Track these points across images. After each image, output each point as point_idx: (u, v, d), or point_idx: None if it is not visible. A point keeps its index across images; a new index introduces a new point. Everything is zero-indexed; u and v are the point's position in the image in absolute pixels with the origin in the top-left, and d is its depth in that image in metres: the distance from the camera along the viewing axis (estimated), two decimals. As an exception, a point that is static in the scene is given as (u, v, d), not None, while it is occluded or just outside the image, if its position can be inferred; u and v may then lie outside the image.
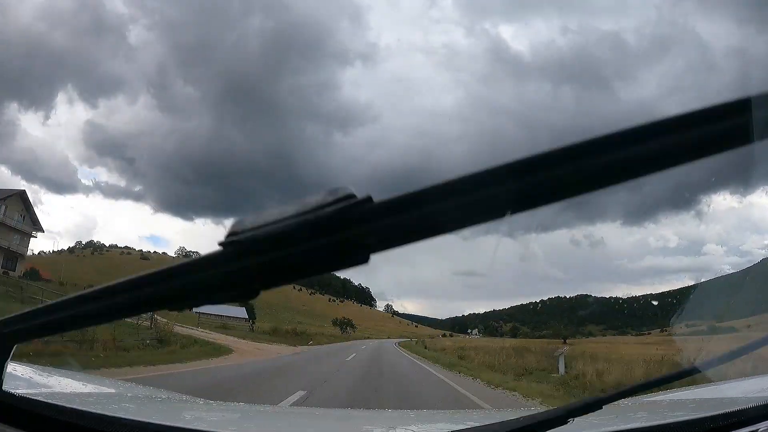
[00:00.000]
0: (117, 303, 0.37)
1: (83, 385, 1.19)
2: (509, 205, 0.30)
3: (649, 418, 0.91)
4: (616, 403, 1.42)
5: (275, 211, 0.32)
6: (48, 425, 0.70)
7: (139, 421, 0.75)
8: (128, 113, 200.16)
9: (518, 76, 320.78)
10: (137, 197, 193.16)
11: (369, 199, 0.30)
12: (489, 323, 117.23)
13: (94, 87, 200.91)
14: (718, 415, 0.71)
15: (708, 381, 0.96)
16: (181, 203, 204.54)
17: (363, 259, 0.31)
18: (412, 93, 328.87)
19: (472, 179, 0.30)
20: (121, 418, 0.74)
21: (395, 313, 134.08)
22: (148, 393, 1.36)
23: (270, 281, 0.32)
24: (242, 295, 0.34)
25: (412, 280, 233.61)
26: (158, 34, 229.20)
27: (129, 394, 1.25)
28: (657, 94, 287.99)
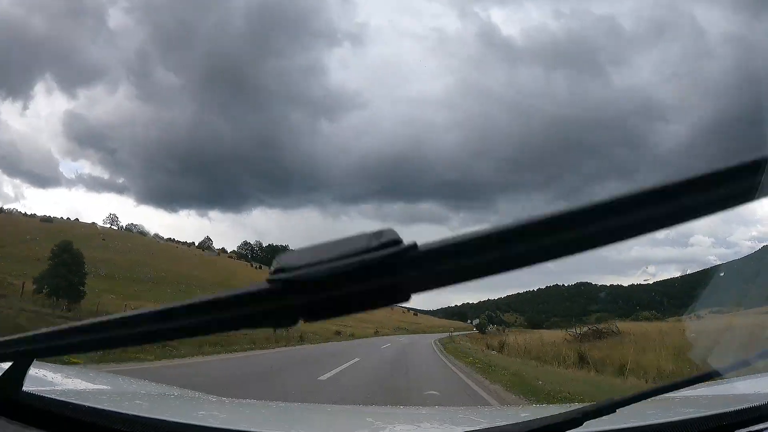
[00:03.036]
0: (152, 330, 0.41)
1: (96, 382, 1.26)
2: (540, 256, 0.34)
3: (661, 415, 0.97)
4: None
5: (320, 248, 0.35)
6: (62, 423, 0.77)
7: (152, 418, 0.81)
8: (109, 103, 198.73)
9: (510, 62, 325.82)
10: (120, 190, 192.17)
11: (414, 246, 0.34)
12: (488, 313, 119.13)
13: (74, 76, 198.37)
14: (731, 412, 0.78)
15: (720, 377, 1.05)
16: (165, 194, 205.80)
17: (403, 298, 0.35)
18: (401, 79, 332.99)
19: (507, 232, 0.34)
20: (135, 416, 0.80)
21: None
22: (161, 390, 1.44)
23: (313, 316, 0.36)
24: (283, 324, 0.37)
25: None
26: (138, 16, 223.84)
27: (143, 392, 1.32)
28: (651, 80, 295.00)
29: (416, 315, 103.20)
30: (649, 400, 1.32)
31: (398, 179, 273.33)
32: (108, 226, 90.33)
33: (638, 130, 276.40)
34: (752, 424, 0.74)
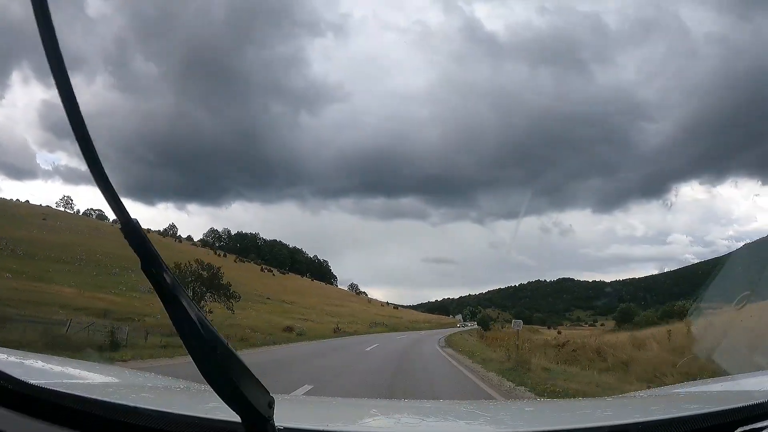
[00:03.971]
0: None
1: (103, 376, 1.29)
2: None
3: (665, 411, 1.02)
4: (632, 395, 1.65)
5: None
6: (69, 415, 0.80)
7: (159, 411, 0.84)
8: (87, 93, 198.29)
9: (493, 57, 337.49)
10: None
11: None
12: (470, 308, 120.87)
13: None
14: (735, 408, 0.82)
15: (725, 373, 1.14)
16: (143, 187, 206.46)
17: None
18: (384, 73, 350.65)
19: None
20: (141, 408, 0.83)
21: (358, 291, 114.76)
22: (167, 383, 1.47)
23: None
24: None
25: (380, 267, 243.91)
26: (117, 4, 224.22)
27: (149, 384, 1.36)
28: (635, 79, 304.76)
29: (396, 309, 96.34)
30: (654, 396, 1.42)
31: (379, 174, 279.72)
32: (62, 209, 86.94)
33: (621, 127, 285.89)
34: (756, 421, 0.78)
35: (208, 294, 25.26)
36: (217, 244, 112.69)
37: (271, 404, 0.66)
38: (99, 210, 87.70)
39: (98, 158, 0.57)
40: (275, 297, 54.55)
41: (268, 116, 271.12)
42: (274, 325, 29.78)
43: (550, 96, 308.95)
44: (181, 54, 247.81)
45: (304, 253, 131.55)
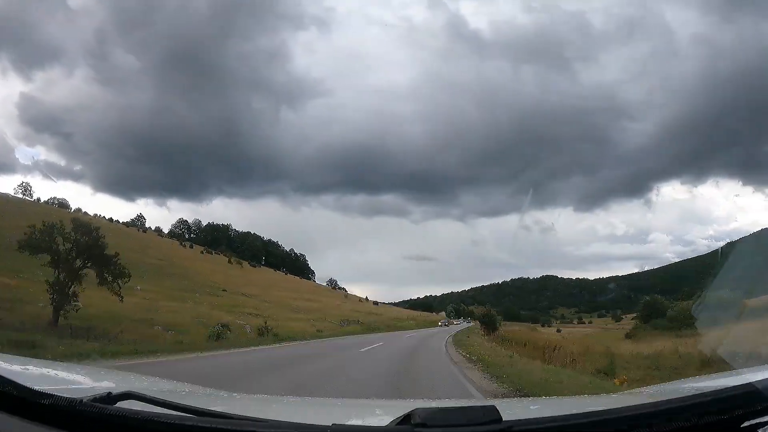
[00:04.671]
0: None
1: (107, 380, 1.35)
2: None
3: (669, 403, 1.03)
4: (638, 390, 1.74)
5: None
6: (73, 421, 0.82)
7: (162, 414, 0.86)
8: (66, 86, 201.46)
9: (477, 55, 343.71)
10: (77, 177, 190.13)
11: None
12: (453, 306, 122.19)
13: (30, 57, 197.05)
14: (740, 403, 0.84)
15: (731, 368, 1.21)
16: (122, 182, 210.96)
17: None
18: (367, 68, 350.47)
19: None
20: (144, 412, 0.85)
21: (337, 287, 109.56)
22: (171, 387, 1.52)
23: None
24: None
25: (362, 265, 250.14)
26: None
27: (154, 389, 1.38)
28: (618, 78, 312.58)
29: (377, 305, 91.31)
30: (660, 391, 1.50)
31: (361, 170, 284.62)
32: (21, 196, 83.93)
33: (603, 126, 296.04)
34: (764, 415, 0.84)
35: (90, 268, 17.33)
36: (186, 236, 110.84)
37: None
38: (63, 199, 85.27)
39: None
40: (234, 289, 48.62)
41: (249, 111, 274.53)
42: (208, 322, 23.68)
43: (533, 94, 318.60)
44: (163, 47, 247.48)
45: (280, 246, 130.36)
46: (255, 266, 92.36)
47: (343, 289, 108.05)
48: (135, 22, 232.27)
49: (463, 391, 7.62)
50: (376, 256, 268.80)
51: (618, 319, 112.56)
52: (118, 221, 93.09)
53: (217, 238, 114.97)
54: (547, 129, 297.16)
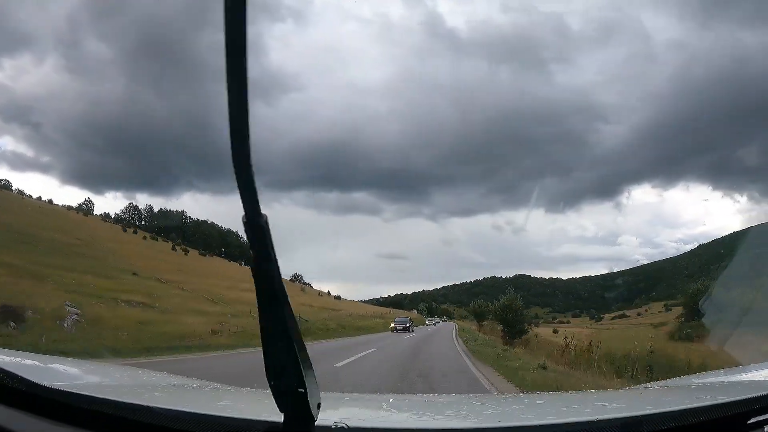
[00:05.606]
0: None
1: (116, 376, 1.41)
2: None
3: (678, 402, 1.12)
4: (644, 386, 1.85)
5: None
6: (82, 416, 0.87)
7: (171, 410, 0.91)
8: (36, 74, 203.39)
9: (454, 53, 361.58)
10: (45, 169, 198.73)
11: None
12: (425, 304, 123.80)
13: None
14: (747, 399, 0.90)
15: (737, 364, 1.31)
16: (91, 175, 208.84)
17: None
18: (343, 64, 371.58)
19: None
20: (154, 407, 0.90)
21: (301, 281, 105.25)
22: (180, 382, 1.57)
23: None
24: None
25: (334, 262, 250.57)
26: None
27: (162, 384, 1.45)
28: (594, 81, 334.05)
29: (339, 300, 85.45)
30: (665, 387, 1.61)
31: (334, 167, 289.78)
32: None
33: (578, 128, 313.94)
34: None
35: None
36: (135, 222, 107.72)
37: (319, 405, 0.76)
38: (5, 180, 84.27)
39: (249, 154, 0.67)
40: (149, 274, 44.11)
41: (222, 103, 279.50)
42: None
43: (508, 94, 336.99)
44: (135, 35, 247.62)
45: (240, 237, 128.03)
46: (204, 255, 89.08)
47: (307, 284, 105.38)
48: (107, 8, 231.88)
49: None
50: (348, 253, 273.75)
51: (598, 319, 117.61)
52: (62, 205, 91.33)
53: (168, 226, 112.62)
54: (521, 129, 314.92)
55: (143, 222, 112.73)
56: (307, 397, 0.71)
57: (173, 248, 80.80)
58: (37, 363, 1.24)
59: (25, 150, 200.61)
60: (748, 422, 0.89)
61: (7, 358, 1.12)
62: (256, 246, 0.68)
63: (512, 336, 25.84)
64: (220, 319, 24.94)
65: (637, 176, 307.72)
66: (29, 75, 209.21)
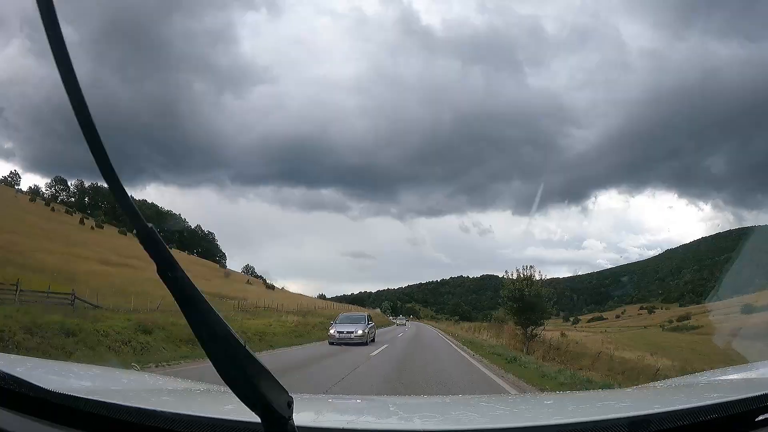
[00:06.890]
0: None
1: (122, 380, 1.49)
2: None
3: (685, 401, 1.18)
4: (652, 384, 1.98)
5: None
6: (89, 420, 0.92)
7: (177, 413, 0.97)
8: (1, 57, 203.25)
9: (427, 52, 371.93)
10: (6, 155, 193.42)
11: None
12: (389, 303, 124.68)
13: None
14: (755, 397, 0.96)
15: (744, 361, 1.44)
16: (54, 163, 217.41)
17: None
18: (314, 58, 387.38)
19: None
20: (160, 411, 0.96)
21: (255, 274, 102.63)
22: (187, 386, 1.64)
23: None
24: None
25: (298, 260, 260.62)
26: None
27: (168, 388, 1.52)
28: (566, 85, 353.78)
29: (272, 289, 76.45)
30: (672, 386, 1.74)
31: (301, 163, 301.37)
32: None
33: (548, 131, 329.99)
34: None
35: None
36: (60, 198, 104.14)
37: (290, 404, 0.78)
38: None
39: (110, 163, 0.69)
40: (32, 248, 41.39)
41: (190, 93, 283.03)
42: None
43: (480, 94, 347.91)
44: (104, 16, 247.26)
45: (185, 222, 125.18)
46: (125, 233, 73.88)
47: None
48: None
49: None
50: (313, 251, 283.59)
51: (575, 321, 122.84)
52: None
53: (96, 203, 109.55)
54: (491, 130, 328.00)
55: (71, 198, 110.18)
56: (267, 398, 0.73)
57: (81, 222, 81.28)
58: (42, 367, 1.28)
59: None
60: (756, 420, 0.96)
61: (12, 363, 1.13)
62: (154, 255, 0.68)
63: (532, 328, 20.35)
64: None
65: (604, 181, 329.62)
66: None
